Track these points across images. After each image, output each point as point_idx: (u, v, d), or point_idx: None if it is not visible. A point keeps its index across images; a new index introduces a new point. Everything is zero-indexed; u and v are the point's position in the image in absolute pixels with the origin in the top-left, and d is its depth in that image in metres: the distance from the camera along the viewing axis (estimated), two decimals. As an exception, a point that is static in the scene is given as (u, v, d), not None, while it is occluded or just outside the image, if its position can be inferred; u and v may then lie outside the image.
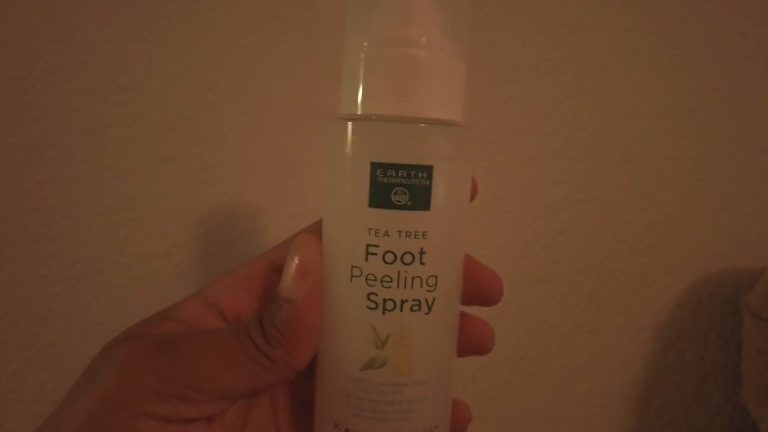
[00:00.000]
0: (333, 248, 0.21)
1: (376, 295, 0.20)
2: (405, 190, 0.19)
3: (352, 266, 0.20)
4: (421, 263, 0.20)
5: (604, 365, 0.43)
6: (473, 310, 0.24)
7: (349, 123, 0.20)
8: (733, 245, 0.44)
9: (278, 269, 0.22)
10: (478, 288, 0.23)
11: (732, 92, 0.44)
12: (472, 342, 0.23)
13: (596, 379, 0.43)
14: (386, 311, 0.20)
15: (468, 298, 0.23)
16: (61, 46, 0.36)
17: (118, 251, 0.37)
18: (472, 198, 0.23)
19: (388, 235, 0.19)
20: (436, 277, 0.20)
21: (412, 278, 0.20)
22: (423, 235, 0.20)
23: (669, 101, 0.43)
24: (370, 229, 0.20)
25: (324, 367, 0.22)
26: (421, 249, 0.20)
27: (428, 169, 0.19)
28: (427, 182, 0.19)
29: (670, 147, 0.43)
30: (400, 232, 0.19)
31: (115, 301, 0.37)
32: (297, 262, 0.21)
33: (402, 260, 0.20)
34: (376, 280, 0.20)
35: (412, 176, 0.19)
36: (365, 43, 0.20)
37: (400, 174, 0.19)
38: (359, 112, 0.20)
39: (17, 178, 0.36)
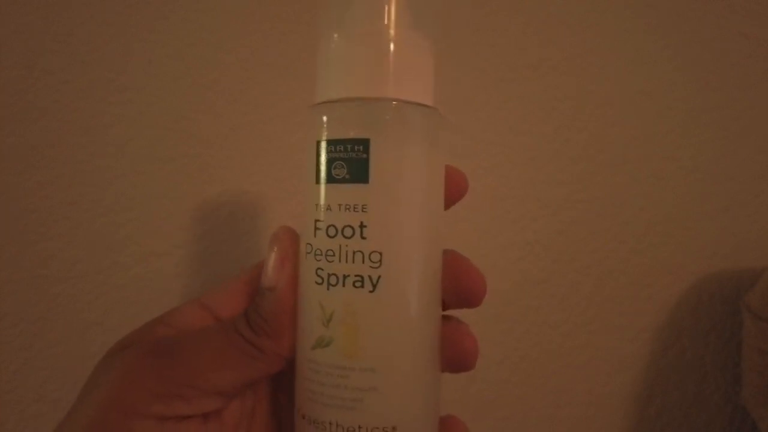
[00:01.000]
0: (299, 230, 0.22)
1: (322, 269, 0.20)
2: (343, 164, 0.20)
3: (306, 243, 0.21)
4: (362, 237, 0.20)
5: (604, 365, 0.43)
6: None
7: (305, 111, 0.21)
8: (733, 245, 0.44)
9: None
10: (458, 282, 0.21)
11: (732, 92, 0.44)
12: (452, 351, 0.22)
13: (596, 379, 0.43)
14: (330, 286, 0.20)
15: (449, 296, 0.22)
16: (61, 46, 0.36)
17: (118, 251, 0.37)
18: (462, 194, 0.23)
19: (330, 209, 0.20)
20: (380, 253, 0.20)
21: (354, 252, 0.20)
22: (362, 208, 0.20)
23: (669, 101, 0.43)
24: (317, 204, 0.20)
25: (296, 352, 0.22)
26: (361, 222, 0.20)
27: (365, 143, 0.20)
28: (364, 155, 0.20)
29: (670, 147, 0.43)
30: (340, 205, 0.20)
31: (115, 301, 0.37)
32: (276, 251, 0.21)
33: (342, 234, 0.20)
34: (321, 254, 0.20)
35: (349, 150, 0.20)
36: (321, 40, 0.21)
37: (338, 149, 0.20)
38: (316, 101, 0.21)
39: (17, 178, 0.36)
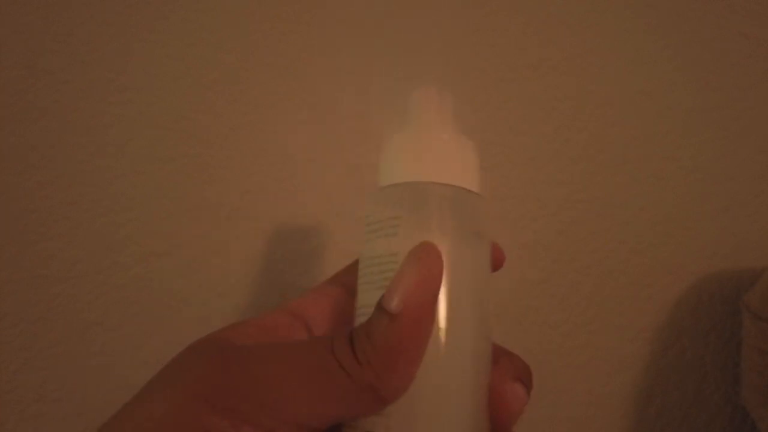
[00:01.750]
0: (473, 313, 0.20)
1: None
2: None
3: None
4: None
5: (604, 365, 0.43)
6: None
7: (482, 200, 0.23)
8: (733, 245, 0.44)
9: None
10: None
11: (732, 92, 0.43)
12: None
13: (596, 379, 0.43)
14: None
15: None
16: (61, 46, 0.36)
17: (118, 251, 0.37)
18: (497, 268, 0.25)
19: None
20: None
21: None
22: None
23: (669, 101, 0.43)
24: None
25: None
26: None
27: None
28: None
29: (670, 147, 0.43)
30: None
31: (115, 301, 0.37)
32: (417, 270, 0.18)
33: None
34: None
35: None
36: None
37: None
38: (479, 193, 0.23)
39: (17, 178, 0.36)
